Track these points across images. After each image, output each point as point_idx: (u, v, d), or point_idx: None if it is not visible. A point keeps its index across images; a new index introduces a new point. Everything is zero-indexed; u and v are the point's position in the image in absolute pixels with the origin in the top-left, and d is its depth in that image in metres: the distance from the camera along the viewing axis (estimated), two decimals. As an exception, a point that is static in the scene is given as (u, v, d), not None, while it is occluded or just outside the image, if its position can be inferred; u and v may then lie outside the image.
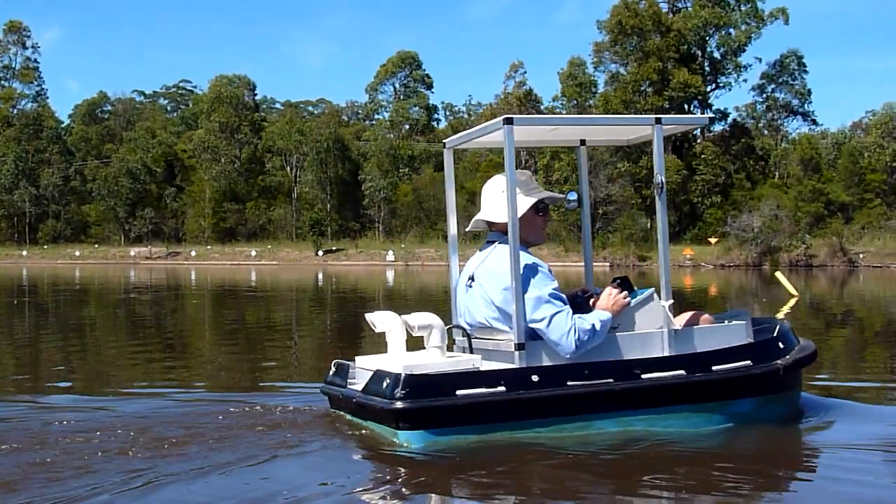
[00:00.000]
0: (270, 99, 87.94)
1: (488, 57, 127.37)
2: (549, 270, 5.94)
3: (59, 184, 67.46)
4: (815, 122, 65.93)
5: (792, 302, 20.13)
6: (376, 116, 74.04)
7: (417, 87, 72.96)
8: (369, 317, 6.37)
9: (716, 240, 53.36)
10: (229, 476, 4.86)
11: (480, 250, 6.22)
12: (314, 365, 10.48)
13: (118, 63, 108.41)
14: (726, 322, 6.43)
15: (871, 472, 5.03)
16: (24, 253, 63.63)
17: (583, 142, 6.79)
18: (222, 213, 66.56)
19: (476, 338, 6.03)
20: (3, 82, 72.54)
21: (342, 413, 6.15)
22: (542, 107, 67.12)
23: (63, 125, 77.06)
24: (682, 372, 5.95)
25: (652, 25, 58.95)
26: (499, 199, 6.04)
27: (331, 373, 6.35)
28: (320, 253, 59.20)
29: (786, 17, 62.21)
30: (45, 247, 65.54)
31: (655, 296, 6.19)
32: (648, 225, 58.25)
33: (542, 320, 5.69)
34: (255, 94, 73.66)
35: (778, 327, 6.71)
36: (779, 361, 6.38)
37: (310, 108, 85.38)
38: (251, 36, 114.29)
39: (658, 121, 6.19)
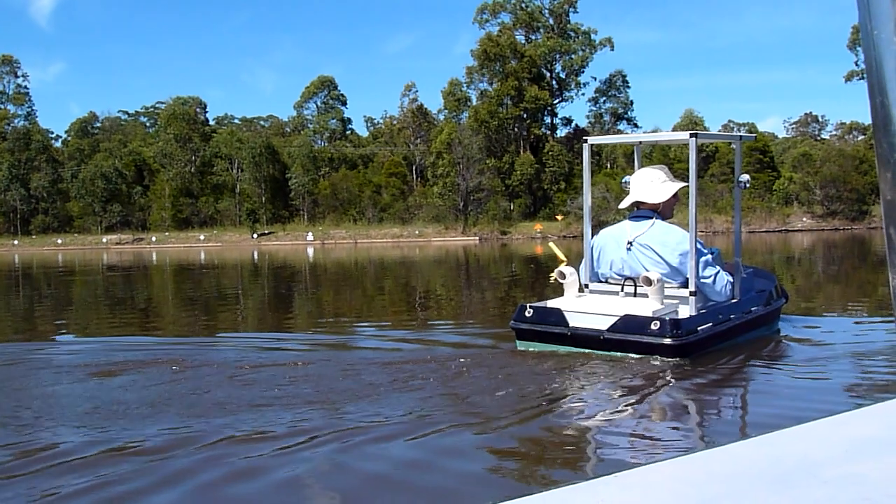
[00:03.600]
0: (230, 116, 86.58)
1: (400, 79, 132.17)
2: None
3: (46, 185, 65.92)
4: (636, 125, 67.78)
5: (562, 266, 20.82)
6: (305, 127, 73.38)
7: (334, 104, 72.71)
8: (558, 270, 6.99)
9: (561, 217, 55.00)
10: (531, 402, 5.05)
11: (634, 221, 6.77)
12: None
13: (109, 88, 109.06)
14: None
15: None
16: (16, 242, 61.99)
17: (694, 135, 6.52)
18: (179, 206, 65.84)
19: (640, 286, 6.54)
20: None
21: (551, 346, 6.36)
22: (431, 117, 67.40)
23: (60, 138, 76.41)
24: (761, 307, 7.12)
25: (510, 52, 60.42)
26: (648, 186, 6.76)
27: (528, 314, 6.48)
28: (255, 235, 59.10)
29: (611, 45, 64.29)
30: (34, 236, 63.85)
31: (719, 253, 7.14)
32: (510, 207, 59.52)
33: (709, 277, 6.50)
34: (206, 111, 72.80)
35: (753, 271, 8.08)
36: (784, 297, 7.92)
37: (261, 123, 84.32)
38: (217, 67, 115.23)
39: (740, 138, 7.18)
